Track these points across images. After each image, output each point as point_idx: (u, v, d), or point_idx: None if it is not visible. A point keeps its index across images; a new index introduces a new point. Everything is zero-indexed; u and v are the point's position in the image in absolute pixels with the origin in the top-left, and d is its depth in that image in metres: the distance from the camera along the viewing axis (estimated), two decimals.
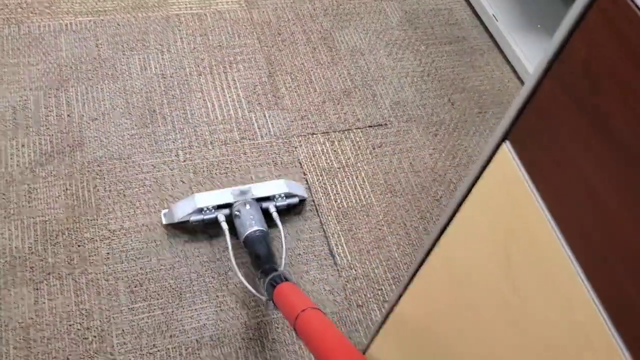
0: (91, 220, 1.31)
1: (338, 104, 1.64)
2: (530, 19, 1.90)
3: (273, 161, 1.49)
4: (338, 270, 1.35)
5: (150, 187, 1.38)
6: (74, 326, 1.18)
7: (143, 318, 1.20)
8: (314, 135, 1.56)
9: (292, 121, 1.58)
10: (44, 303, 1.19)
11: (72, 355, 1.14)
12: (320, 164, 1.51)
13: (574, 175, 0.49)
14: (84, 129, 1.45)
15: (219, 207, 1.30)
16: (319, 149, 1.54)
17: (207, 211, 1.29)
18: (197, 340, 1.20)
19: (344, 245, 1.38)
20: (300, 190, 1.40)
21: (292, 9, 1.84)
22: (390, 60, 1.77)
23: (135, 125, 1.48)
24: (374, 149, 1.57)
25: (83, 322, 1.18)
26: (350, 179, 1.49)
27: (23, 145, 1.39)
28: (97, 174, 1.38)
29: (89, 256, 1.26)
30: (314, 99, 1.64)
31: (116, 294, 1.22)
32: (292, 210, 1.41)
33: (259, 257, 1.21)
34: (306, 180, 1.47)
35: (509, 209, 0.56)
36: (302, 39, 1.77)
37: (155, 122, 1.50)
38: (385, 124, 1.62)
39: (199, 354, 1.19)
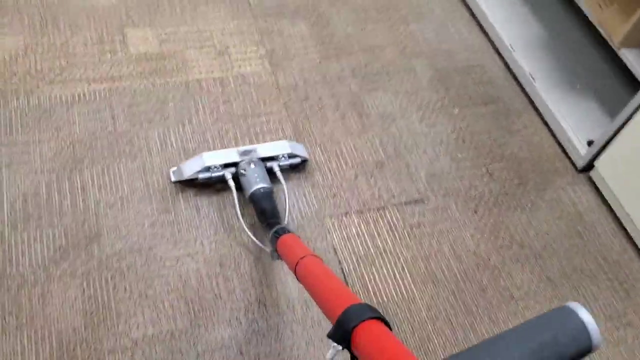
0: (111, 327, 1.19)
1: (371, 177, 1.53)
2: (569, 78, 1.79)
3: None
4: None
5: (174, 284, 1.27)
6: None
7: None
8: (348, 216, 1.45)
9: (324, 199, 1.47)
10: None
11: None
12: (356, 250, 1.39)
13: None
14: (101, 217, 1.34)
15: (226, 165, 1.38)
16: (354, 231, 1.43)
17: (215, 169, 1.37)
18: None
19: None
20: (302, 151, 1.48)
21: (318, 70, 1.73)
22: (423, 126, 1.67)
23: (156, 211, 1.37)
24: (411, 229, 1.45)
25: None
26: (388, 266, 1.38)
27: (35, 240, 1.28)
28: (117, 271, 1.26)
29: None
30: (346, 172, 1.53)
31: None
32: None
33: (264, 212, 1.29)
34: (342, 270, 1.36)
35: None
36: (330, 104, 1.66)
37: (178, 206, 1.39)
38: (422, 200, 1.51)
39: None
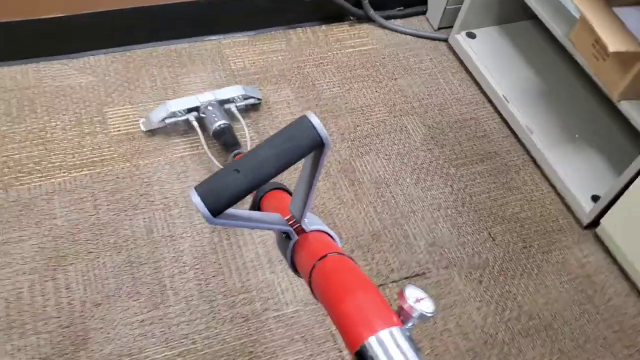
0: None
1: (368, 251, 1.47)
2: (569, 130, 1.74)
3: (302, 337, 1.31)
4: None
5: None
6: None
7: None
8: None
9: None
10: None
11: None
12: None
13: None
14: (88, 319, 1.27)
15: (189, 110, 1.56)
16: None
17: (179, 114, 1.55)
18: None
19: None
20: (256, 93, 1.67)
21: None
22: (418, 190, 1.61)
23: (145, 308, 1.30)
24: None
25: None
26: None
27: (19, 350, 1.21)
28: None
29: None
30: (342, 247, 1.46)
31: None
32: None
33: (226, 144, 1.51)
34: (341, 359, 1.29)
35: None
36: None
37: (167, 301, 1.32)
38: (423, 273, 1.45)
39: None
